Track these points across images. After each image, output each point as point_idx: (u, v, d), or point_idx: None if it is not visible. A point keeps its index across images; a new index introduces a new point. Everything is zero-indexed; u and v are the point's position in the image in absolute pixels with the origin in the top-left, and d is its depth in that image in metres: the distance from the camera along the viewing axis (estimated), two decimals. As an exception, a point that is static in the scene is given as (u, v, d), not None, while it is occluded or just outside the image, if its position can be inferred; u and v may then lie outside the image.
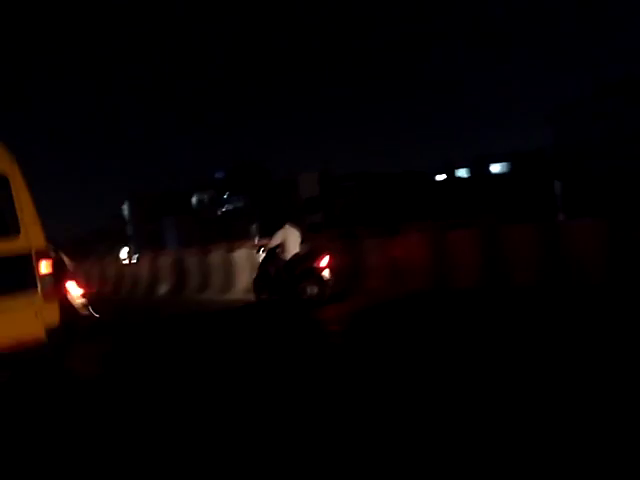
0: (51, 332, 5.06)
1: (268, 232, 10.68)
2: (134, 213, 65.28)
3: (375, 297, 8.84)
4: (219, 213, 58.24)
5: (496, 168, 47.00)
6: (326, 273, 8.69)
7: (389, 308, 7.99)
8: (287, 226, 8.96)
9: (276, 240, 8.90)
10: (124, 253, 49.83)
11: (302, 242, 9.12)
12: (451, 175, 47.64)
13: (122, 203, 68.58)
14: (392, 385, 4.26)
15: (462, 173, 48.48)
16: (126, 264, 25.84)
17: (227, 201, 58.51)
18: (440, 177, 47.57)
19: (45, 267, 5.05)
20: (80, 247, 51.00)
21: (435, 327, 6.30)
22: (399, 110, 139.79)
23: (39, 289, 5.00)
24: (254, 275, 9.39)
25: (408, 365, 4.81)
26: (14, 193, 5.00)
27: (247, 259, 11.12)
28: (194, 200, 63.61)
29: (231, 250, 12.19)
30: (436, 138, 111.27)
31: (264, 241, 9.55)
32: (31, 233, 5.01)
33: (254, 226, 41.78)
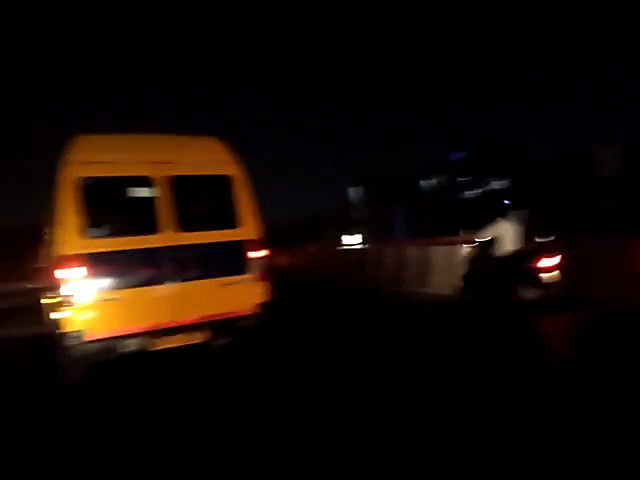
0: (261, 307, 6.71)
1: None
2: (367, 198, 70.24)
3: (617, 310, 8.24)
4: (465, 198, 57.67)
5: None
6: (550, 275, 8.48)
7: (627, 325, 7.48)
8: (501, 220, 8.99)
9: (487, 234, 9.07)
10: (349, 238, 54.04)
11: (528, 237, 8.91)
12: None
13: (349, 187, 74.11)
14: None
15: None
16: (353, 248, 28.35)
17: (475, 185, 57.84)
18: None
19: (258, 253, 6.75)
20: (302, 230, 57.51)
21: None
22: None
23: (253, 271, 6.74)
24: (463, 272, 9.71)
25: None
26: (236, 191, 6.79)
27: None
28: (427, 184, 64.90)
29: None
30: None
31: (472, 235, 9.76)
32: (249, 225, 6.82)
33: (522, 213, 39.96)
